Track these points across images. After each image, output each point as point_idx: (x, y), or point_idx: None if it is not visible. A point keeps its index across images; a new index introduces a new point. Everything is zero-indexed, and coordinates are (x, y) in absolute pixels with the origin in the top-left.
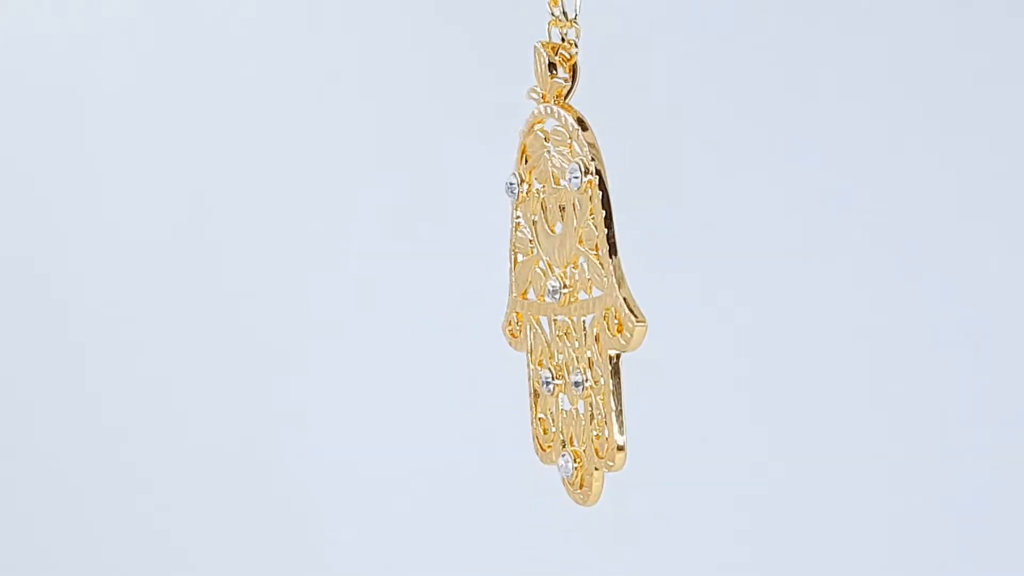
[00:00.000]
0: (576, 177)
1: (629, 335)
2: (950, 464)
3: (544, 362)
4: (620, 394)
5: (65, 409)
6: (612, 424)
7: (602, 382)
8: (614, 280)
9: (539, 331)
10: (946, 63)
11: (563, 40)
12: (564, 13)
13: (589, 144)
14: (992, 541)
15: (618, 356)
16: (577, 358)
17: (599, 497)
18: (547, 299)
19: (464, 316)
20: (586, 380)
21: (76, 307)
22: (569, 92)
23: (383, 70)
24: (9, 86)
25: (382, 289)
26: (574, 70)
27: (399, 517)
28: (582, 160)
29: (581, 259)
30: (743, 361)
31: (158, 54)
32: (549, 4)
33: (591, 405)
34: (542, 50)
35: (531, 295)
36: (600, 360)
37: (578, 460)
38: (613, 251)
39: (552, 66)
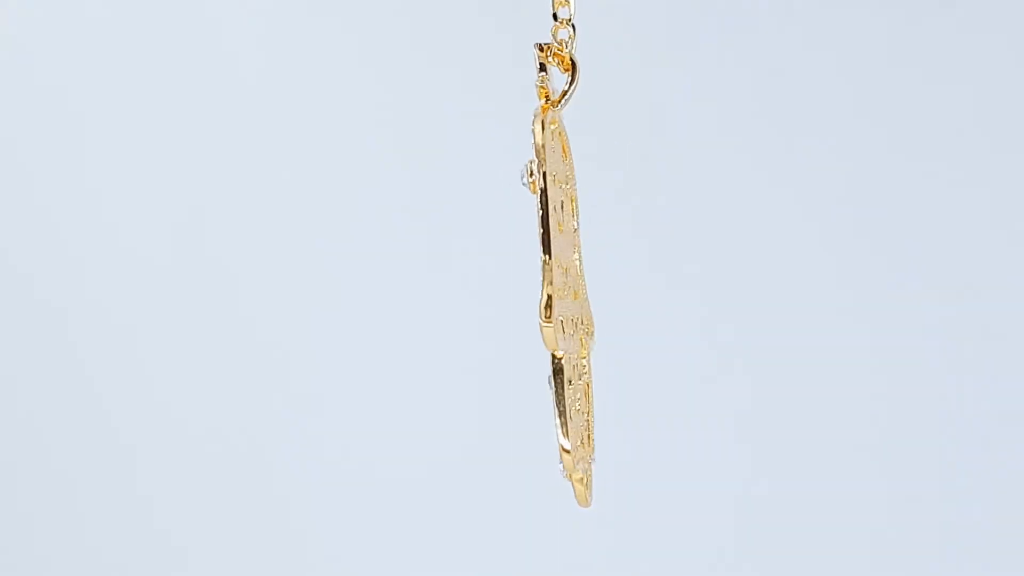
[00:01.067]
0: (524, 178)
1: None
2: (951, 466)
3: None
4: (562, 396)
5: (64, 411)
6: (557, 426)
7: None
8: (542, 279)
9: None
10: (951, 64)
11: (554, 41)
12: (555, 15)
13: (538, 146)
14: (991, 542)
15: (560, 357)
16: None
17: (586, 498)
18: None
19: (470, 313)
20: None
21: (76, 307)
22: (566, 92)
23: (392, 69)
24: (5, 87)
25: (387, 288)
26: (572, 71)
27: (401, 518)
28: (531, 161)
29: None
30: (743, 363)
31: (155, 50)
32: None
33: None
34: (535, 52)
35: None
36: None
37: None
38: (546, 250)
39: (543, 67)
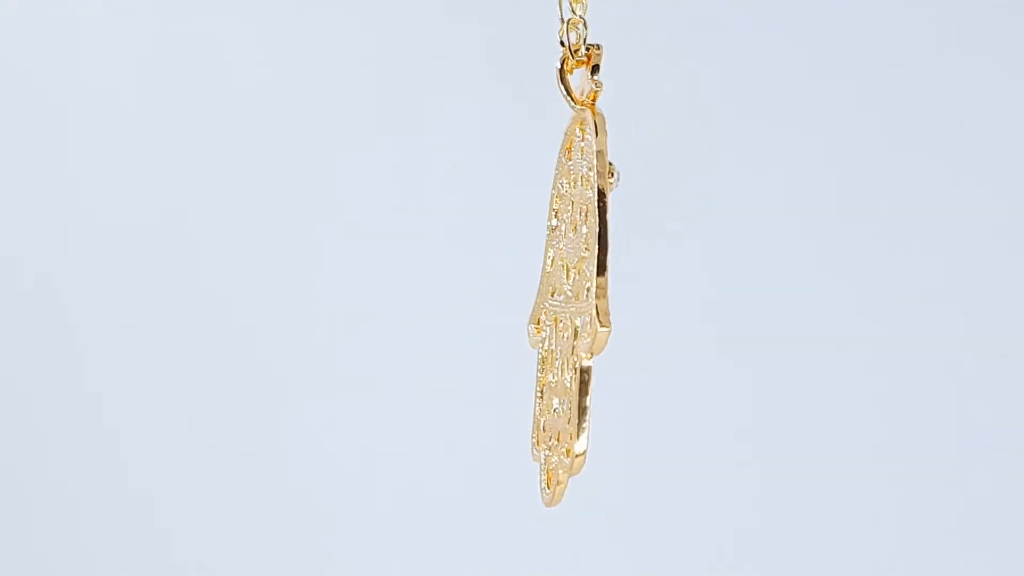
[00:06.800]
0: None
1: None
2: (957, 467)
3: None
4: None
5: (60, 411)
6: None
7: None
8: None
9: None
10: (956, 61)
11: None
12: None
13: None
14: (990, 544)
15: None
16: None
17: (558, 498)
18: None
19: (467, 313)
20: None
21: (74, 306)
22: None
23: (397, 64)
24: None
25: (384, 286)
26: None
27: (400, 518)
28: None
29: None
30: (737, 364)
31: (146, 42)
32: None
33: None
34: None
35: None
36: None
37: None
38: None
39: (596, 68)
